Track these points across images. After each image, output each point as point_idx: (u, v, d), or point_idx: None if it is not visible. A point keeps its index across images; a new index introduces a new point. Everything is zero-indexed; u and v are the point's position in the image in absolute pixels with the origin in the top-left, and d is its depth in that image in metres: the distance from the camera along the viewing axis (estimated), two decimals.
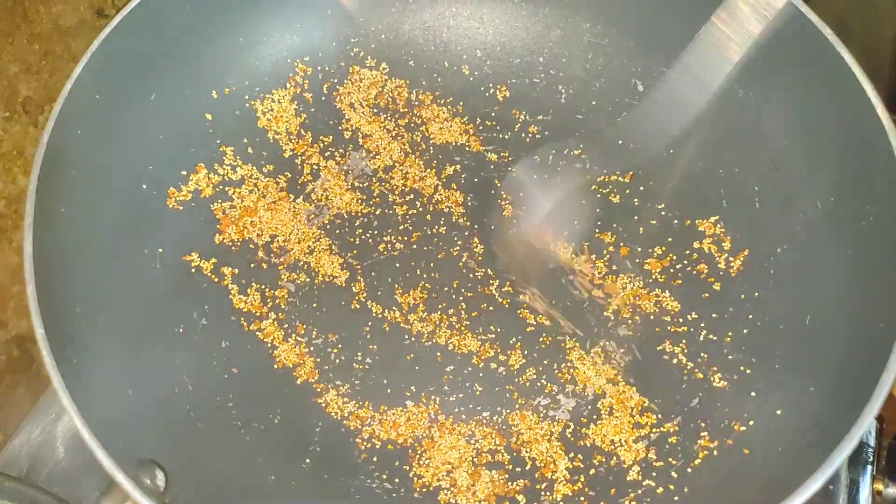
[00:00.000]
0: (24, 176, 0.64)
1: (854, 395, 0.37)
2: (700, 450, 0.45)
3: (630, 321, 0.51)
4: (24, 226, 0.40)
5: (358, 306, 0.52)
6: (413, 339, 0.51)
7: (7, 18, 0.65)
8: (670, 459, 0.45)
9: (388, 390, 0.49)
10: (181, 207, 0.52)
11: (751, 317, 0.48)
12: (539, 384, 0.49)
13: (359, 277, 0.53)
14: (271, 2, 0.55)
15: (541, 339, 0.50)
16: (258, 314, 0.51)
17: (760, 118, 0.50)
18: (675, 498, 0.44)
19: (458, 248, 0.54)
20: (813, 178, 0.47)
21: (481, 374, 0.50)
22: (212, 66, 0.54)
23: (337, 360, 0.50)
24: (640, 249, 0.53)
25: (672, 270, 0.52)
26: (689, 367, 0.48)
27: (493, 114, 0.58)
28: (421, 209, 0.55)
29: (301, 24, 0.57)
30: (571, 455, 0.47)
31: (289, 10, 0.56)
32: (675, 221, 0.53)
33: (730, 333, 0.48)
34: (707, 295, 0.50)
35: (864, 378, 0.37)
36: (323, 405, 0.49)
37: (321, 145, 0.56)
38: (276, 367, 0.50)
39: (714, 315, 0.49)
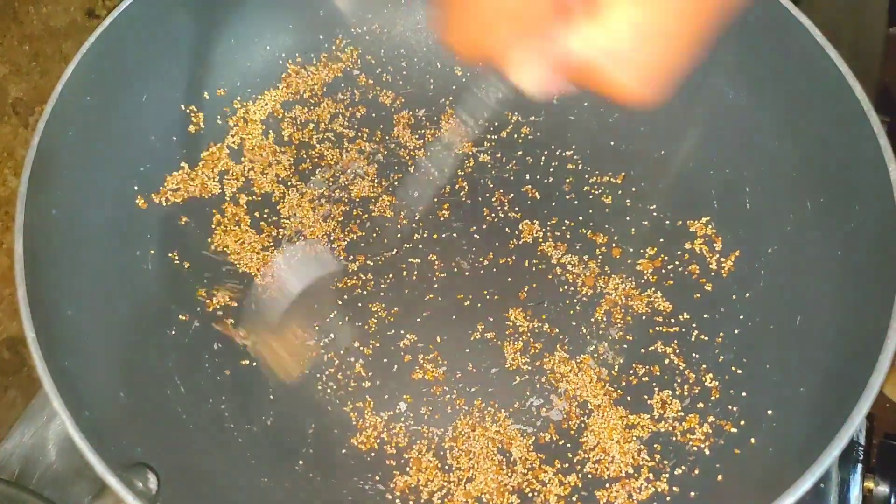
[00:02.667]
0: (14, 177, 0.64)
1: (844, 395, 0.37)
2: (691, 450, 0.45)
3: (621, 322, 0.51)
4: (15, 228, 0.40)
5: (352, 310, 0.52)
6: (407, 341, 0.51)
7: None
8: (662, 460, 0.45)
9: (382, 392, 0.49)
10: (173, 209, 0.52)
11: (742, 317, 0.48)
12: (531, 385, 0.49)
13: (350, 280, 0.53)
14: (262, 3, 0.55)
15: (533, 340, 0.50)
16: None
17: (751, 120, 0.50)
18: (668, 498, 0.44)
19: (450, 248, 0.54)
20: (803, 179, 0.47)
21: (474, 376, 0.50)
22: (203, 67, 0.54)
23: (330, 362, 0.50)
24: (631, 250, 0.53)
25: (664, 271, 0.52)
26: (680, 368, 0.48)
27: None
28: (413, 210, 0.55)
29: (292, 25, 0.57)
30: (563, 456, 0.47)
31: (280, 11, 0.56)
32: (667, 222, 0.53)
33: (721, 334, 0.49)
34: (698, 295, 0.50)
35: (854, 378, 0.37)
36: (316, 407, 0.49)
37: (314, 145, 0.56)
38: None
39: (705, 315, 0.50)
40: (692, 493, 0.44)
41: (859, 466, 0.49)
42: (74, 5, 0.67)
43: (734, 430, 0.45)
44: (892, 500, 0.49)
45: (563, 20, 0.26)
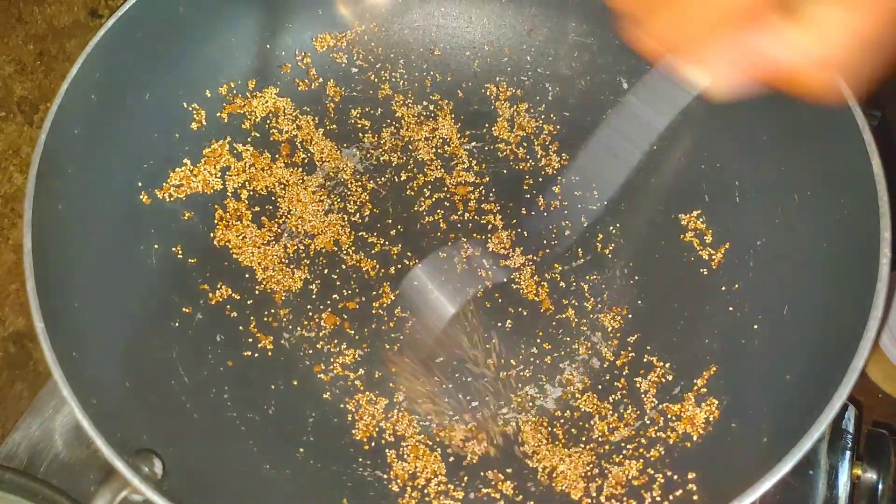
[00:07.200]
0: (20, 174, 0.65)
1: (826, 382, 0.38)
2: (680, 438, 0.46)
3: (613, 313, 0.52)
4: (24, 224, 0.41)
5: (355, 303, 0.53)
6: (406, 330, 0.52)
7: (1, 19, 0.65)
8: (654, 447, 0.47)
9: (380, 382, 0.50)
10: (176, 205, 0.53)
11: (731, 308, 0.49)
12: (526, 376, 0.50)
13: (352, 272, 0.54)
14: (262, 2, 0.56)
15: (528, 331, 0.52)
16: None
17: (741, 116, 0.51)
18: (658, 482, 0.45)
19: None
20: (790, 173, 0.48)
21: (468, 367, 0.51)
22: (205, 65, 0.55)
23: (330, 353, 0.51)
24: (623, 243, 0.54)
25: (655, 264, 0.53)
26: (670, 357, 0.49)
27: (481, 112, 0.59)
28: (409, 206, 0.56)
29: (292, 24, 0.58)
30: (560, 443, 0.48)
31: (280, 10, 0.57)
32: (658, 218, 0.54)
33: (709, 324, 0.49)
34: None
35: (836, 365, 0.38)
36: (316, 396, 0.50)
37: (314, 141, 0.57)
38: (269, 359, 0.51)
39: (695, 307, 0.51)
40: (679, 479, 0.45)
41: (848, 454, 0.50)
42: (78, 5, 0.68)
43: (720, 416, 0.46)
44: (880, 487, 0.50)
45: (760, 22, 0.26)
